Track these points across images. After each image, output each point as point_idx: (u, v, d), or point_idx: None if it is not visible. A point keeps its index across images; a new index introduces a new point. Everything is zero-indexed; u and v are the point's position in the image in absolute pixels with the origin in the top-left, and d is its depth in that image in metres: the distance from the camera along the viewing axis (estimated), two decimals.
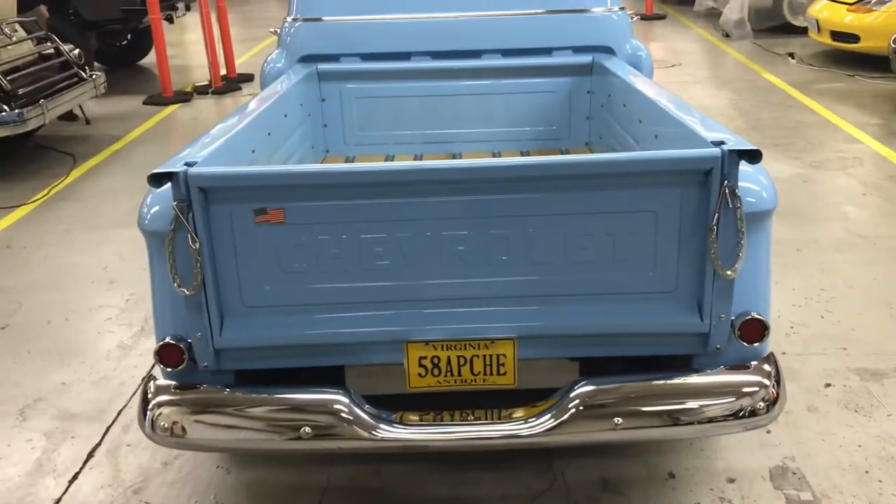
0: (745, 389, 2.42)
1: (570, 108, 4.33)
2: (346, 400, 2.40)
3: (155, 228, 2.39)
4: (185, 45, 13.15)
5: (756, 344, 2.44)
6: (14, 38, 7.03)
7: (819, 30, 9.72)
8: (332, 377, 2.60)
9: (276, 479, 2.99)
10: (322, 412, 2.40)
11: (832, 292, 4.21)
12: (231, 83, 9.87)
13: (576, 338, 2.44)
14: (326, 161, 4.33)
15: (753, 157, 2.24)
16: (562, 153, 4.30)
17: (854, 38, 9.15)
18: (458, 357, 2.44)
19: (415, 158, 4.31)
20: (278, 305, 2.40)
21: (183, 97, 9.24)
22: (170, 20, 10.30)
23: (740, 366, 2.48)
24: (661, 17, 14.13)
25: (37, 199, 6.14)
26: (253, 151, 3.00)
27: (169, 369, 2.45)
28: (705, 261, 2.32)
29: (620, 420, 2.36)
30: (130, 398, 3.55)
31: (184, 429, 2.43)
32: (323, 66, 4.26)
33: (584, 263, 2.36)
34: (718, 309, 2.36)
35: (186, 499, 2.92)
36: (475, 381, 2.47)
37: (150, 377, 2.53)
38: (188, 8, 10.97)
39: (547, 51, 4.28)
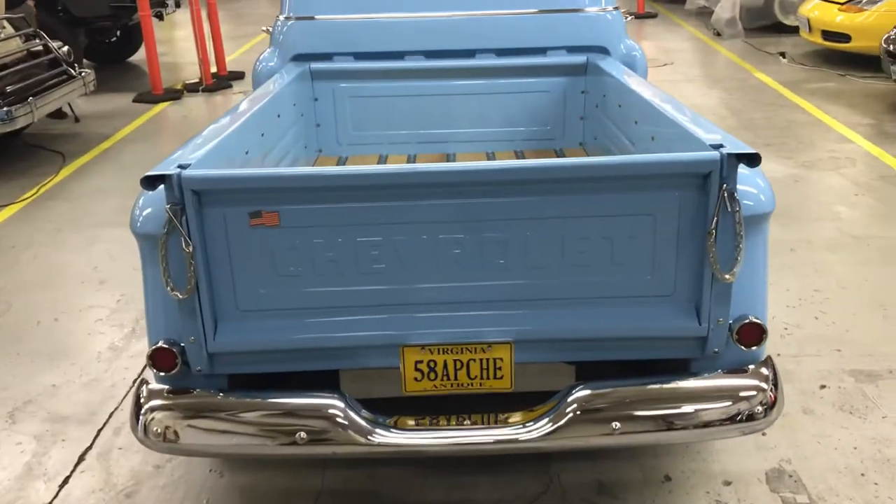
0: (744, 394, 2.41)
1: (564, 108, 4.32)
2: (341, 404, 2.38)
3: (147, 231, 2.36)
4: (175, 43, 13.08)
5: (754, 348, 2.43)
6: (2, 35, 6.96)
7: (810, 29, 9.75)
8: (326, 381, 2.57)
9: (270, 483, 2.96)
10: (317, 417, 2.37)
11: (826, 293, 4.21)
12: (221, 81, 9.81)
13: (573, 341, 2.43)
14: (319, 161, 4.31)
15: (752, 160, 2.23)
16: (556, 154, 4.29)
17: (845, 37, 9.18)
18: (455, 361, 2.42)
19: (408, 159, 4.29)
20: (273, 309, 2.37)
21: (173, 95, 9.19)
22: (160, 17, 10.23)
23: (738, 369, 2.46)
24: (653, 16, 14.15)
25: (26, 198, 6.08)
26: (246, 152, 2.97)
27: (162, 373, 2.42)
28: (703, 264, 2.30)
29: (618, 425, 2.35)
30: (122, 400, 3.51)
31: (177, 434, 2.41)
32: (316, 66, 4.23)
33: (582, 267, 2.34)
34: (716, 313, 2.35)
35: (179, 503, 2.88)
36: (472, 384, 2.46)
37: (142, 381, 2.50)
38: (178, 4, 10.90)
39: (541, 50, 4.27)
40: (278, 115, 3.55)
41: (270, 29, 4.56)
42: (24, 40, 7.19)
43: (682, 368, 2.54)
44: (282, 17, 4.40)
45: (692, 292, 2.36)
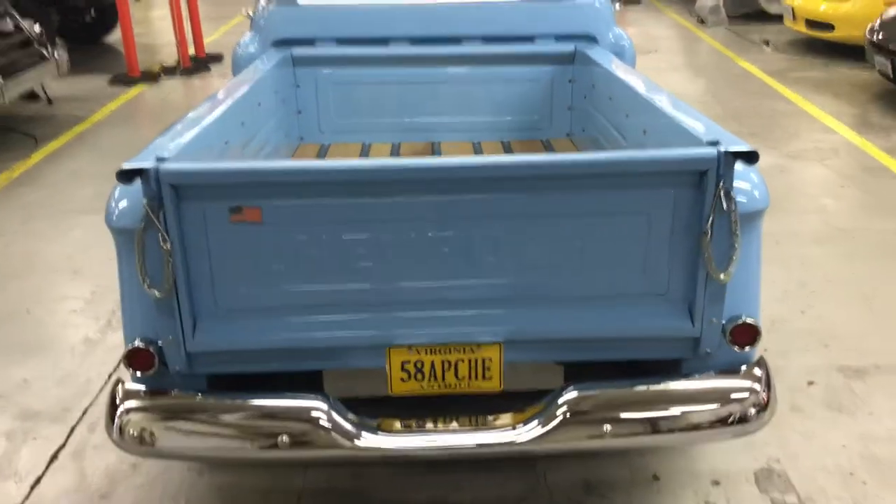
0: (737, 395, 2.37)
1: (551, 97, 4.24)
2: (324, 406, 2.30)
3: (123, 225, 2.27)
4: (151, 23, 12.84)
5: (747, 348, 2.38)
6: None
7: (794, 18, 9.72)
8: (309, 380, 2.50)
9: (250, 483, 2.88)
10: (299, 420, 2.30)
11: (812, 287, 4.19)
12: (200, 63, 9.63)
13: (564, 341, 2.37)
14: (301, 149, 4.21)
15: (750, 158, 2.17)
16: (543, 144, 4.22)
17: (829, 26, 9.16)
18: (443, 362, 2.35)
19: (392, 147, 4.21)
20: (254, 308, 2.29)
21: (150, 77, 9.00)
22: None
23: (730, 370, 2.42)
24: (636, 2, 14.08)
25: None
26: (226, 142, 2.87)
27: (138, 373, 2.34)
28: (697, 264, 2.25)
29: (610, 427, 2.29)
30: (97, 396, 3.42)
31: (154, 436, 2.32)
32: (297, 51, 4.12)
33: (573, 266, 2.28)
34: (710, 313, 2.30)
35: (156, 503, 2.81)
36: (460, 385, 2.39)
37: (117, 380, 2.41)
38: None
39: (528, 38, 4.18)
40: (259, 104, 3.45)
41: (251, 12, 4.44)
42: None
43: (673, 368, 2.49)
44: (263, 1, 4.27)
45: (685, 292, 2.31)
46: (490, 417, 2.36)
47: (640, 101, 3.04)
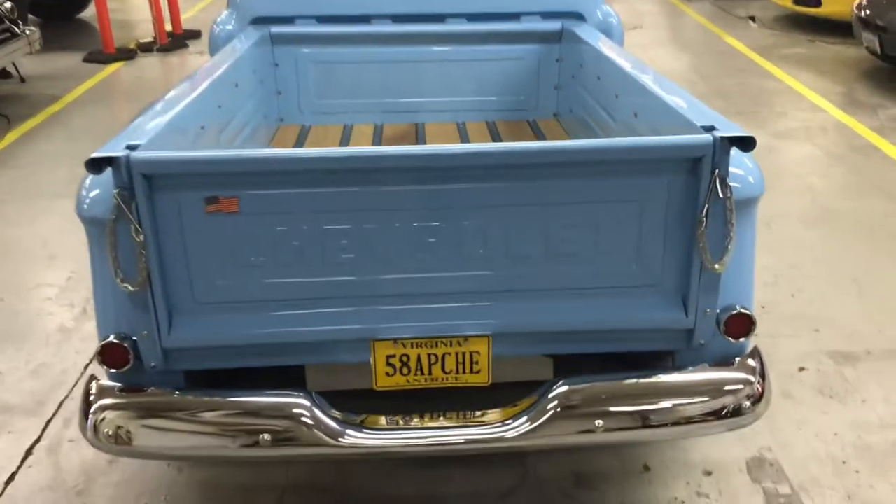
0: (732, 387, 2.31)
1: (538, 76, 4.14)
2: (307, 403, 2.22)
3: (94, 215, 2.16)
4: None
5: (742, 339, 2.32)
6: None
7: None
8: (290, 374, 2.41)
9: (232, 479, 2.81)
10: (281, 417, 2.22)
11: (802, 269, 4.14)
12: (177, 40, 9.42)
13: (554, 334, 2.29)
14: (280, 131, 4.09)
15: (746, 144, 2.09)
16: (529, 125, 4.13)
17: (815, 2, 9.08)
18: (430, 355, 2.27)
19: (375, 129, 4.10)
20: (232, 302, 2.20)
21: (126, 54, 8.80)
22: None
23: (724, 362, 2.36)
24: None
25: None
26: (202, 127, 2.75)
27: (113, 370, 2.24)
28: (691, 253, 2.18)
29: (602, 422, 2.23)
30: (73, 388, 3.32)
31: (130, 435, 2.24)
32: (276, 29, 3.99)
33: (564, 256, 2.20)
34: (704, 303, 2.23)
35: (134, 500, 2.73)
36: (447, 379, 2.31)
37: (91, 377, 2.32)
38: None
39: (514, 16, 4.07)
40: (236, 85, 3.33)
41: None
42: None
43: (664, 360, 2.43)
44: None
45: (679, 282, 2.24)
46: (478, 413, 2.29)
47: (630, 82, 2.94)
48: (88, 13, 10.55)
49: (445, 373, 2.30)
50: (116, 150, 2.01)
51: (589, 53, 3.65)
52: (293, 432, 2.21)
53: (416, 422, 2.28)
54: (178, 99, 2.64)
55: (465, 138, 3.92)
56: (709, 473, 2.80)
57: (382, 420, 2.28)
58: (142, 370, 2.23)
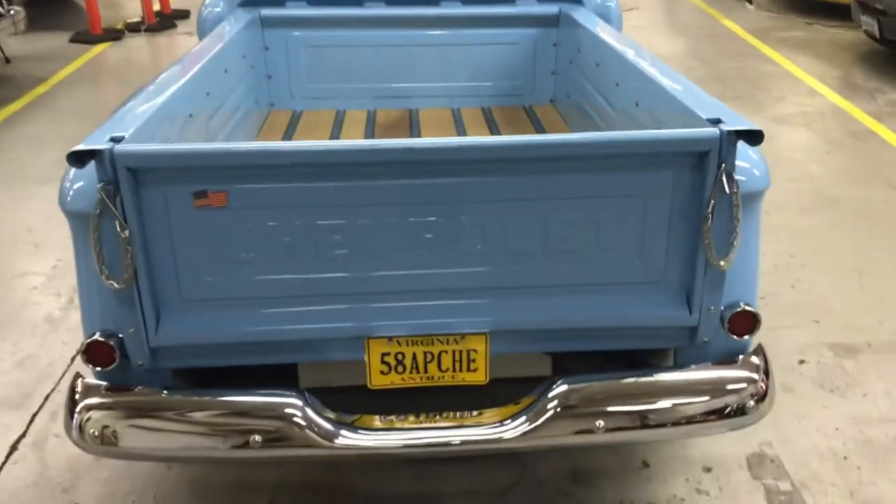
0: (735, 386, 2.25)
1: (534, 61, 4.06)
2: (299, 403, 2.16)
3: (78, 208, 2.08)
4: None
5: (746, 337, 2.26)
6: None
7: None
8: (283, 372, 2.35)
9: (223, 477, 2.74)
10: (273, 417, 2.15)
11: (801, 259, 4.09)
12: (165, 20, 9.27)
13: (553, 332, 2.23)
14: (272, 116, 4.00)
15: (754, 138, 2.02)
16: (525, 111, 4.04)
17: None
18: (425, 353, 2.21)
19: (368, 115, 4.01)
20: (222, 299, 2.12)
21: (113, 35, 8.65)
22: None
23: (727, 360, 2.30)
24: None
25: None
26: (190, 115, 2.67)
27: (98, 369, 2.17)
28: (695, 249, 2.11)
29: (603, 423, 2.17)
30: (59, 380, 3.25)
31: (116, 435, 2.17)
32: (266, 12, 3.89)
33: (565, 253, 2.13)
34: (708, 301, 2.17)
35: (123, 499, 2.66)
36: (443, 377, 2.25)
37: (76, 374, 2.24)
38: None
39: None
40: (225, 70, 3.23)
41: None
42: None
43: (665, 357, 2.38)
44: None
45: (682, 279, 2.18)
46: (476, 413, 2.23)
47: (631, 70, 2.86)
48: None
49: (442, 371, 2.24)
50: (100, 143, 1.93)
51: (587, 38, 3.57)
52: (285, 433, 2.15)
53: (411, 422, 2.22)
54: (165, 86, 2.55)
55: (459, 125, 3.84)
56: (708, 470, 2.75)
57: (377, 420, 2.22)
58: (128, 368, 2.16)
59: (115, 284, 2.01)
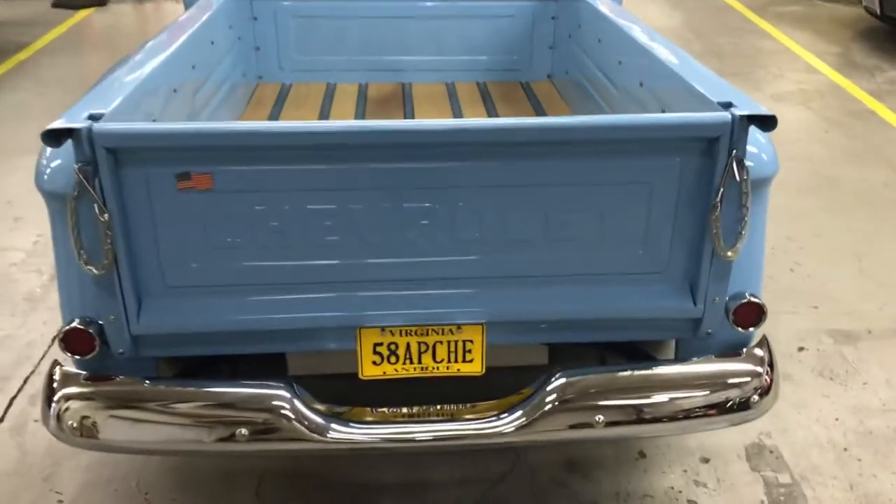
0: (739, 380, 2.18)
1: (531, 35, 3.93)
2: (287, 395, 2.07)
3: (55, 189, 1.98)
4: None
5: (751, 329, 2.18)
6: None
7: None
8: (270, 360, 2.26)
9: (208, 464, 2.67)
10: (260, 409, 2.07)
11: (800, 241, 4.02)
12: None
13: (553, 323, 2.14)
14: (260, 89, 3.87)
15: (767, 123, 1.93)
16: (522, 86, 3.93)
17: None
18: (420, 343, 2.12)
19: (359, 88, 3.89)
20: (207, 286, 2.02)
21: (98, 0, 8.41)
22: None
23: (731, 353, 2.22)
24: None
25: None
26: (175, 90, 2.54)
27: (77, 358, 2.07)
28: (702, 238, 2.02)
29: (602, 417, 2.10)
30: (39, 362, 3.15)
31: (96, 426, 2.08)
32: None
33: (566, 241, 2.04)
34: (713, 291, 2.09)
35: (104, 486, 2.58)
36: (438, 368, 2.17)
37: (54, 362, 2.15)
38: None
39: None
40: (212, 42, 3.10)
41: None
42: None
43: (667, 348, 2.30)
44: None
45: (687, 269, 2.09)
46: (471, 406, 2.15)
47: (635, 48, 2.75)
48: None
49: (437, 362, 2.16)
50: (77, 121, 1.81)
51: (588, 12, 3.45)
52: (272, 426, 2.06)
53: (404, 415, 2.14)
54: (147, 58, 2.42)
55: (454, 100, 3.73)
56: (706, 461, 2.69)
57: (368, 413, 2.14)
58: (109, 357, 2.07)
59: (95, 270, 1.91)
